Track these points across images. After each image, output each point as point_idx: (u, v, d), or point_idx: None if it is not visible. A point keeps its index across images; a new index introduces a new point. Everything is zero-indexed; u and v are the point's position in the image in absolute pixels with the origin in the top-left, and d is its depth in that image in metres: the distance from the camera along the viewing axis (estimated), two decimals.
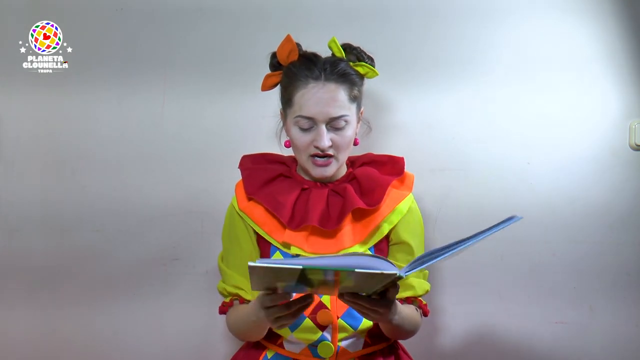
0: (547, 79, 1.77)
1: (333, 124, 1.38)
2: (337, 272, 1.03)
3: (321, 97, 1.36)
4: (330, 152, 1.39)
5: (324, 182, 1.46)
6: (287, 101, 1.41)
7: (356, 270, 1.01)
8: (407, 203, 1.45)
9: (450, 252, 1.08)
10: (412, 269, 1.08)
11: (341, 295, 1.18)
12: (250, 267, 1.01)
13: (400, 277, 1.06)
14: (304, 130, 1.39)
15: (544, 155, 1.78)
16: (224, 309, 1.47)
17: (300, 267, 1.01)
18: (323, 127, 1.37)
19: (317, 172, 1.41)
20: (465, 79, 1.78)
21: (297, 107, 1.38)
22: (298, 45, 1.43)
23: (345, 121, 1.38)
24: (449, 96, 1.78)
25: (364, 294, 1.17)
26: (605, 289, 1.78)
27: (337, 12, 1.78)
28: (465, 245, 1.09)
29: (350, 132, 1.40)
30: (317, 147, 1.38)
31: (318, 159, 1.40)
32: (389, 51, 1.76)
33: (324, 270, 1.03)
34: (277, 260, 1.03)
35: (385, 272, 1.02)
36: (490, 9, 1.78)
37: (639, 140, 1.76)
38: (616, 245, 1.78)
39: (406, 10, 1.78)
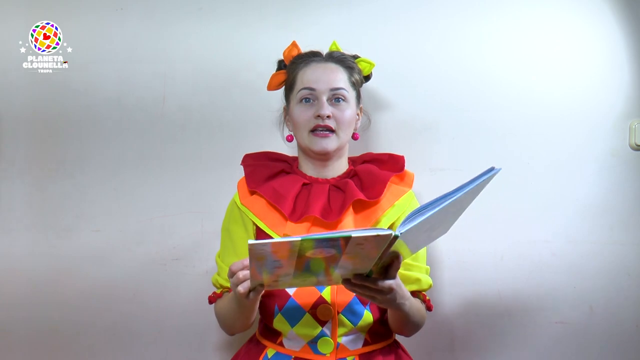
0: (547, 78, 1.77)
1: (334, 94, 1.44)
2: (333, 243, 1.04)
3: (323, 71, 1.45)
4: (331, 125, 1.43)
5: (325, 177, 1.48)
6: (290, 87, 1.49)
7: (353, 235, 1.02)
8: (407, 199, 1.47)
9: (439, 207, 1.10)
10: (405, 228, 1.08)
11: (346, 281, 1.18)
12: (250, 245, 1.02)
13: (396, 237, 1.07)
14: (305, 103, 1.44)
15: (544, 155, 1.78)
16: (212, 299, 1.49)
17: (299, 239, 1.02)
18: (324, 98, 1.44)
19: (318, 145, 1.44)
20: (465, 79, 1.78)
21: (299, 83, 1.46)
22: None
23: (344, 97, 1.45)
24: (450, 96, 1.78)
25: (366, 273, 1.17)
26: (605, 289, 1.78)
27: (337, 11, 1.79)
28: (453, 198, 1.11)
29: (349, 112, 1.45)
30: (318, 117, 1.42)
31: (319, 131, 1.43)
32: (389, 51, 1.77)
33: (322, 248, 1.05)
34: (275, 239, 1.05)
35: (380, 233, 1.04)
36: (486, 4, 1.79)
37: (639, 140, 1.76)
38: (616, 245, 1.78)
39: (407, 8, 1.79)
